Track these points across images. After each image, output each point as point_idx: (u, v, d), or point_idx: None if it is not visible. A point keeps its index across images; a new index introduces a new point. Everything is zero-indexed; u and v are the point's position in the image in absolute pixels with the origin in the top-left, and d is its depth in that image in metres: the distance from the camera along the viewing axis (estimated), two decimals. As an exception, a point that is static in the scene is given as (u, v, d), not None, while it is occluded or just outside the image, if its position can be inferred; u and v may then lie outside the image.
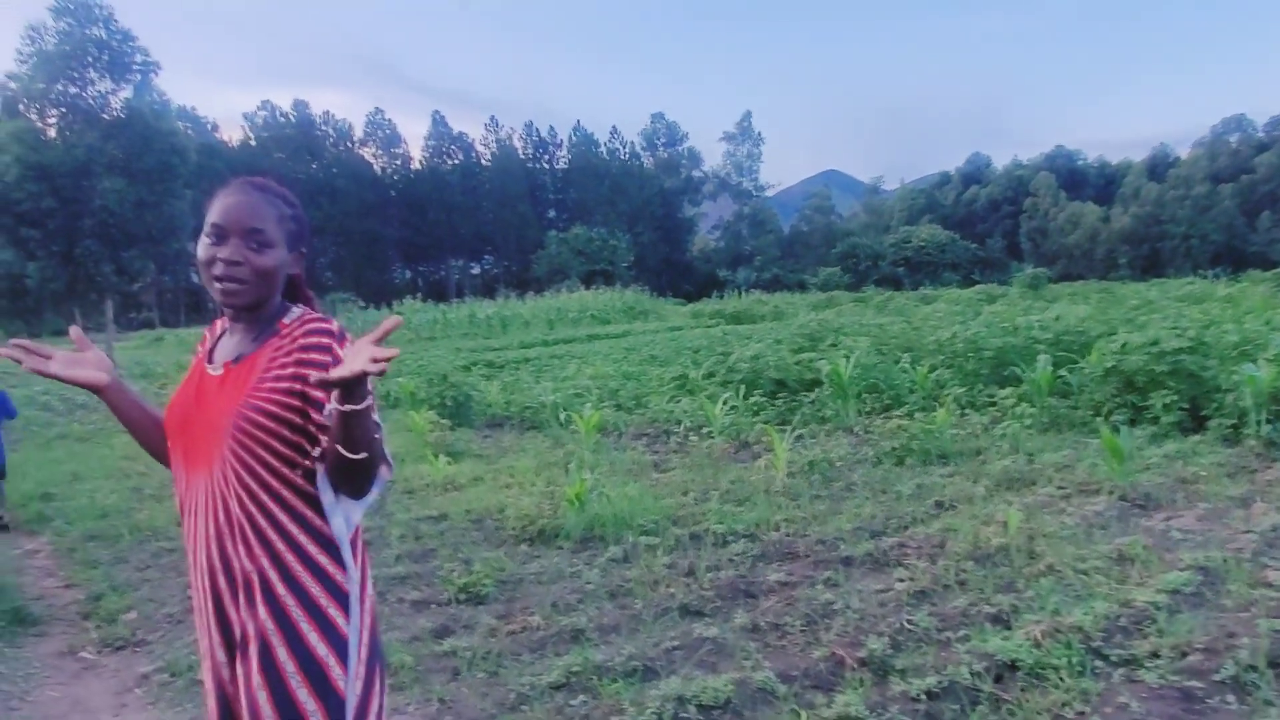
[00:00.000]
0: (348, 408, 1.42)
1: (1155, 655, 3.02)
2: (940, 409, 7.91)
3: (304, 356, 1.58)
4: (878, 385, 9.79)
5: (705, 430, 8.76)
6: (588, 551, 4.96)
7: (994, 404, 8.54)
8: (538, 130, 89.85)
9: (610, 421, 9.78)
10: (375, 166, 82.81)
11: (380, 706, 1.68)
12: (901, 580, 4.05)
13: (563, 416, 10.17)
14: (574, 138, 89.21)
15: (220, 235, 1.62)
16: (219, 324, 1.82)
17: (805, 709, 2.87)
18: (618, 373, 14.37)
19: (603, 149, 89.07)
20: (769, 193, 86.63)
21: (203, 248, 1.64)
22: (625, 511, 5.42)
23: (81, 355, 1.73)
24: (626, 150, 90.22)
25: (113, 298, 35.78)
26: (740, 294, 51.36)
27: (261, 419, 1.56)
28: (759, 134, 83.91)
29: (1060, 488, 5.63)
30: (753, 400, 9.88)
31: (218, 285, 1.62)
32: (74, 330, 1.81)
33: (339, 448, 1.47)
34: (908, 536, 4.79)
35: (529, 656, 3.53)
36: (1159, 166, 71.01)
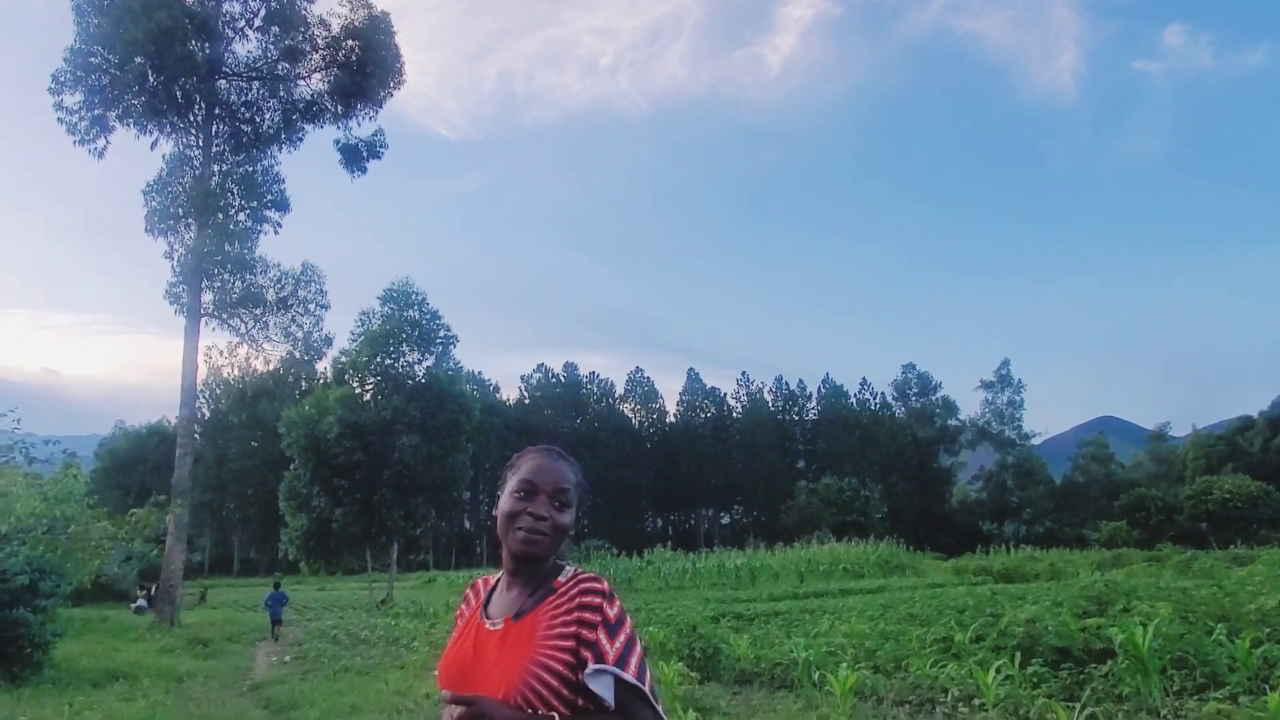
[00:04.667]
0: None
1: None
2: (1273, 692, 6.64)
3: (581, 615, 1.68)
4: (1187, 659, 8.43)
5: (977, 702, 7.90)
6: (846, 831, 4.52)
7: (1346, 690, 7.03)
8: (787, 383, 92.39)
9: (867, 684, 9.10)
10: (634, 420, 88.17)
11: None
12: None
13: (816, 676, 9.62)
14: (823, 389, 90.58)
15: (530, 492, 1.78)
16: (481, 581, 1.95)
17: None
18: (874, 631, 13.48)
19: (852, 400, 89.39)
20: (1035, 441, 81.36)
21: (510, 502, 1.79)
22: (887, 788, 4.93)
23: None
24: (877, 401, 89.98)
25: (398, 540, 39.60)
26: (1009, 549, 47.30)
27: (546, 676, 1.63)
28: (1019, 381, 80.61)
29: None
30: (1031, 670, 8.84)
31: (520, 535, 1.76)
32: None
33: None
34: None
35: None
36: None
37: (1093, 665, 8.86)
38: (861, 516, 63.01)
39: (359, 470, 35.01)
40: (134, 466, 63.12)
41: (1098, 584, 15.22)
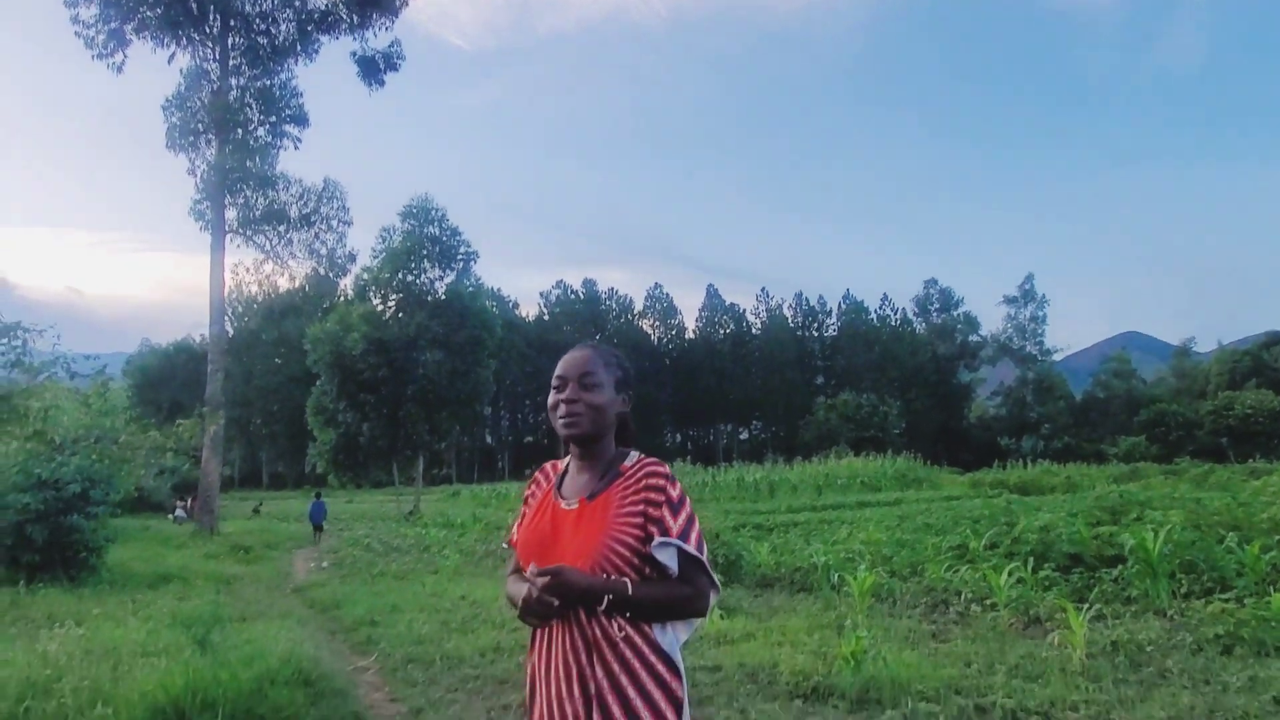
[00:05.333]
0: (599, 609, 1.83)
1: None
2: (1278, 593, 6.90)
3: (648, 495, 1.92)
4: (1195, 565, 8.70)
5: (989, 602, 8.24)
6: (864, 713, 4.87)
7: (1349, 593, 7.27)
8: (807, 299, 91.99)
9: (884, 587, 9.47)
10: (652, 336, 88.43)
11: None
12: (1229, 775, 3.60)
13: (834, 579, 10.00)
14: (843, 305, 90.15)
15: (561, 383, 2.03)
16: (550, 465, 2.17)
17: None
18: (891, 539, 13.88)
19: (873, 316, 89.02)
20: (1057, 356, 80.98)
21: (551, 397, 2.05)
22: (903, 676, 5.26)
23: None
24: (898, 316, 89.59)
25: (424, 454, 40.49)
26: (1026, 464, 47.69)
27: (619, 548, 1.87)
28: (1043, 296, 79.74)
29: None
30: (1043, 574, 9.16)
31: (561, 421, 2.00)
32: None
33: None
34: (1237, 732, 4.23)
35: (807, 805, 3.55)
36: None
37: (1103, 570, 9.16)
38: (880, 432, 63.52)
39: (384, 386, 35.61)
40: (164, 383, 64.37)
41: (1112, 495, 15.49)
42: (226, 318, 34.73)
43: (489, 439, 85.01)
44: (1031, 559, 9.61)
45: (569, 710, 1.85)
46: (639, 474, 1.96)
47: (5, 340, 10.26)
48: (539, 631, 1.95)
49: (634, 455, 2.04)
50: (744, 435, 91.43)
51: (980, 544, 11.05)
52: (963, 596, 8.69)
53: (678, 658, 1.89)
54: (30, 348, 10.76)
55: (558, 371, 2.05)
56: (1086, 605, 7.21)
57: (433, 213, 37.72)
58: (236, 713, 4.63)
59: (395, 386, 35.83)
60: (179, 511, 32.43)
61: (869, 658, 5.42)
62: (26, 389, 10.56)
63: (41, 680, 4.88)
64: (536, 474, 2.20)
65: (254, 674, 4.96)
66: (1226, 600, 7.07)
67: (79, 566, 12.80)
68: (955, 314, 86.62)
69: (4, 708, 4.59)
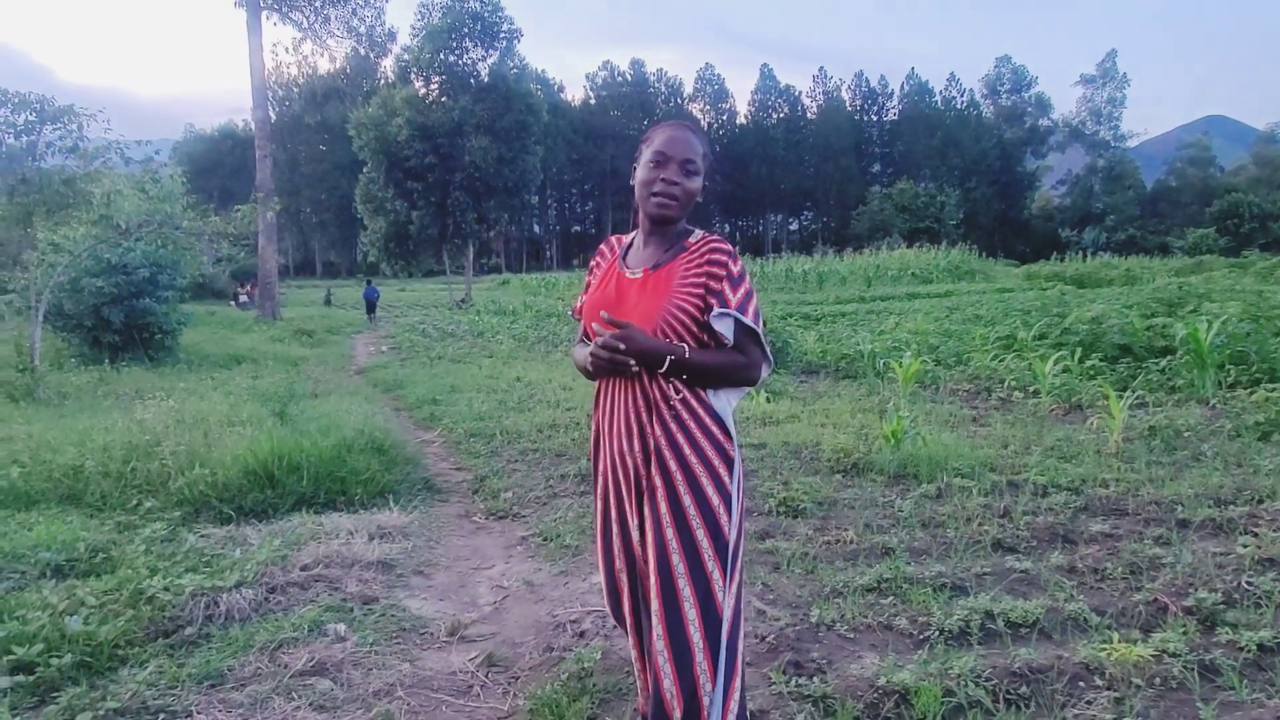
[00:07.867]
0: (660, 371, 1.96)
1: None
2: (1326, 385, 6.90)
3: (710, 269, 2.00)
4: (1246, 356, 8.67)
5: (1032, 389, 8.39)
6: (900, 486, 5.14)
7: (1402, 385, 7.24)
8: (867, 80, 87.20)
9: (928, 374, 9.65)
10: (703, 121, 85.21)
11: (742, 555, 2.08)
12: (1246, 546, 3.79)
13: (880, 365, 10.20)
14: (906, 87, 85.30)
15: (662, 161, 2.03)
16: (615, 239, 2.24)
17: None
18: (938, 330, 13.95)
19: (937, 99, 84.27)
20: (1131, 142, 76.62)
21: (645, 170, 2.04)
22: (940, 455, 5.49)
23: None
24: (965, 98, 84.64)
25: (473, 243, 40.79)
26: (1085, 257, 46.33)
27: (680, 314, 1.98)
28: (1124, 75, 74.15)
29: None
30: (1089, 364, 9.22)
31: (654, 200, 2.03)
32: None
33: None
34: (1261, 509, 4.40)
35: (842, 563, 3.85)
36: None
37: (1152, 361, 9.19)
38: (935, 223, 61.93)
39: (431, 173, 35.32)
40: (211, 170, 64.55)
41: (1171, 288, 15.21)
42: (269, 102, 34.13)
43: (536, 229, 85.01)
44: (1079, 349, 9.66)
45: (630, 463, 2.05)
46: (703, 249, 2.04)
47: (61, 124, 10.31)
48: (604, 392, 2.12)
49: (698, 233, 2.11)
50: (794, 226, 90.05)
51: (1029, 335, 11.09)
52: (1006, 384, 8.85)
53: (729, 419, 2.04)
54: (84, 133, 10.83)
55: (658, 147, 2.03)
56: (1129, 392, 7.31)
57: (472, -15, 35.69)
58: (320, 475, 5.07)
59: (442, 174, 35.52)
60: (243, 298, 33.68)
61: (908, 437, 5.64)
62: (88, 174, 10.73)
63: (142, 444, 5.36)
64: (601, 247, 2.29)
65: (332, 442, 5.37)
66: (1273, 390, 7.10)
67: (156, 347, 13.57)
68: (1027, 95, 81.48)
69: (114, 467, 5.08)
